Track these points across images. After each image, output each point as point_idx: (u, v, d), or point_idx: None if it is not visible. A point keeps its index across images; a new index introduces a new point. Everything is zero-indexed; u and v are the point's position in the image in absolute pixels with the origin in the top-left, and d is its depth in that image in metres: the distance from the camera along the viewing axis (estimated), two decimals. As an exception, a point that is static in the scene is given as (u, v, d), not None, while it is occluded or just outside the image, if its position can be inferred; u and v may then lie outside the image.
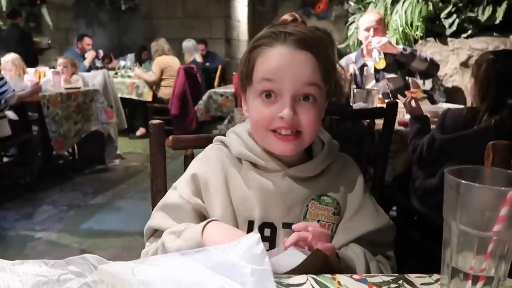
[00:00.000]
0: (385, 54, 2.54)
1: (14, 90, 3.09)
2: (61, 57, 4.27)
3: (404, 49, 2.53)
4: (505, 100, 1.49)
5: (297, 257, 0.65)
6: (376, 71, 2.61)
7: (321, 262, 0.65)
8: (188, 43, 5.69)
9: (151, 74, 5.24)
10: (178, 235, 0.75)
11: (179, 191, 0.81)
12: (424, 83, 3.23)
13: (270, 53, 0.75)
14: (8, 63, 3.76)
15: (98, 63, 5.66)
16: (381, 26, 2.64)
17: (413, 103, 1.86)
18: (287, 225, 0.79)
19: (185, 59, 5.67)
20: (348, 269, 0.71)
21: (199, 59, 5.71)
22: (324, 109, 0.80)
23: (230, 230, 0.73)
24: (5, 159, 3.95)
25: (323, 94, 0.78)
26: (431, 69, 2.56)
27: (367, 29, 2.57)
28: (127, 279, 0.49)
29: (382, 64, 2.50)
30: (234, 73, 3.92)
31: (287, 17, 2.32)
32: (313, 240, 0.68)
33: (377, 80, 2.62)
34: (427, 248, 1.62)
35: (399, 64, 2.60)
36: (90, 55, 5.40)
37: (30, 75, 4.03)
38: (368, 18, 2.65)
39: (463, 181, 0.49)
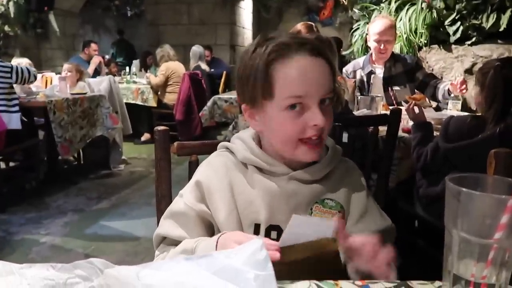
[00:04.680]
0: (394, 63, 2.55)
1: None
2: (66, 62, 4.29)
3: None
4: (511, 107, 1.49)
5: (323, 227, 0.65)
6: (385, 82, 2.58)
7: (329, 254, 0.66)
8: (196, 49, 5.72)
9: (158, 76, 5.26)
10: (191, 253, 0.75)
11: (184, 198, 0.83)
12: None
13: (290, 65, 0.75)
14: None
15: (105, 70, 5.64)
16: (393, 37, 2.53)
17: (416, 109, 1.84)
18: None
19: (190, 65, 5.70)
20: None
21: (203, 65, 5.73)
22: None
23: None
24: (11, 164, 3.98)
25: None
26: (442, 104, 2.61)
27: (379, 42, 2.50)
28: (132, 283, 0.50)
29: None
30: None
31: (301, 28, 2.22)
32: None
33: (385, 90, 2.59)
34: (431, 255, 1.61)
35: (409, 78, 2.58)
36: (93, 61, 5.33)
37: (37, 81, 4.05)
38: (379, 28, 2.49)
39: (464, 189, 0.50)
